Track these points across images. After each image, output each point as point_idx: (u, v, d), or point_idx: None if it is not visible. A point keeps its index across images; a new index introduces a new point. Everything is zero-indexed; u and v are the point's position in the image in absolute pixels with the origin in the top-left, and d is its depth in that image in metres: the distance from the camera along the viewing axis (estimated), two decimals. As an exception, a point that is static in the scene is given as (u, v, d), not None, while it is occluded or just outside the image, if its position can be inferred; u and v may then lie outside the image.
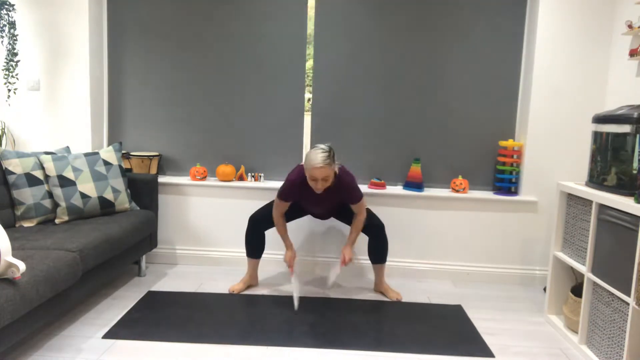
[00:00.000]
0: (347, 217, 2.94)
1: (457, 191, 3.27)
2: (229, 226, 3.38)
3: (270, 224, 2.91)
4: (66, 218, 2.69)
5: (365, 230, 2.90)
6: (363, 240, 3.31)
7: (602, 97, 3.11)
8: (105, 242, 2.46)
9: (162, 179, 3.34)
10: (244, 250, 3.39)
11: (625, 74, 2.89)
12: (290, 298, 2.81)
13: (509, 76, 3.29)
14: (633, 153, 2.23)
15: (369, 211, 2.91)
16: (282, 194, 2.74)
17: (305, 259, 3.37)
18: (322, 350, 2.28)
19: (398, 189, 3.32)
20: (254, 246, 2.94)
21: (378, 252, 2.93)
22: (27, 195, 2.63)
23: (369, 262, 3.32)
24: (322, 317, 2.62)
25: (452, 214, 3.27)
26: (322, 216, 2.97)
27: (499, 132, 3.33)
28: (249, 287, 3.01)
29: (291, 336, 2.39)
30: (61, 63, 3.29)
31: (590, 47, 3.08)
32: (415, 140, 3.37)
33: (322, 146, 2.58)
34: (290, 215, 2.97)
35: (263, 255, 3.36)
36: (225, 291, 2.93)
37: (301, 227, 3.35)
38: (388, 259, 3.33)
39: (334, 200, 2.78)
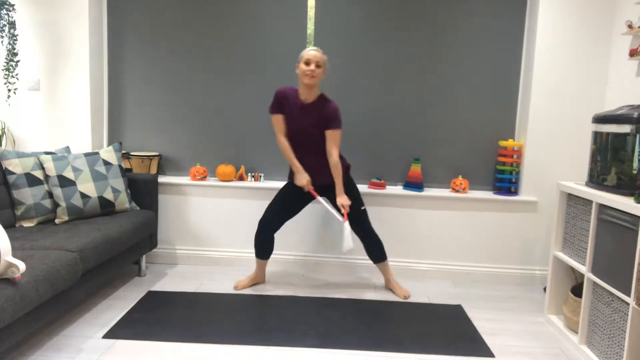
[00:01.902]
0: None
1: (457, 191, 3.27)
2: (229, 226, 3.38)
3: (280, 223, 2.92)
4: (66, 218, 2.69)
5: (356, 232, 2.92)
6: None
7: (602, 97, 3.11)
8: (105, 242, 2.46)
9: (162, 179, 3.35)
10: (244, 250, 3.39)
11: (625, 74, 2.89)
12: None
13: (509, 76, 3.29)
14: (633, 153, 2.23)
15: (362, 213, 2.89)
16: (271, 107, 2.82)
17: (306, 260, 3.37)
18: (322, 350, 2.28)
19: (398, 189, 3.32)
20: (262, 248, 2.96)
21: (374, 252, 2.95)
22: (27, 195, 2.63)
23: (370, 262, 3.32)
24: (322, 317, 2.62)
25: (452, 214, 3.27)
26: (305, 133, 2.79)
27: (499, 132, 3.34)
28: (254, 284, 3.04)
29: (291, 336, 2.39)
30: (61, 63, 3.29)
31: (590, 47, 3.08)
32: (415, 140, 3.37)
33: None
34: (289, 207, 2.93)
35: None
36: (225, 291, 2.93)
37: (300, 227, 3.35)
38: (389, 258, 3.33)
39: (316, 116, 2.76)
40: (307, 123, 2.77)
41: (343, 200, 2.78)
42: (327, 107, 2.76)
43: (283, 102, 2.80)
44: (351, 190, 2.89)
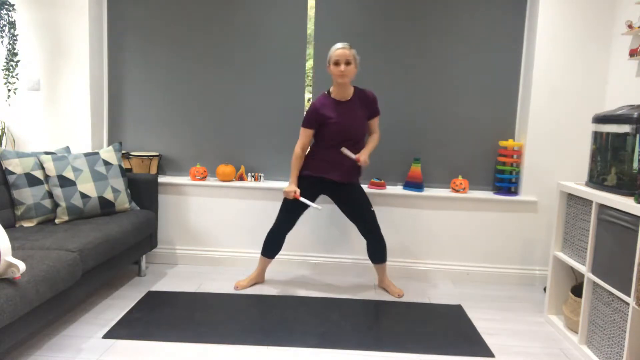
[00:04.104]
0: (348, 203, 2.89)
1: (457, 191, 3.27)
2: (228, 226, 3.38)
3: (294, 223, 2.92)
4: (66, 218, 2.69)
5: (364, 233, 2.91)
6: (363, 241, 3.31)
7: (602, 97, 3.11)
8: (105, 242, 2.46)
9: (162, 179, 3.34)
10: (244, 250, 3.39)
11: (625, 74, 2.89)
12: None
13: (509, 76, 3.29)
14: (633, 153, 2.23)
15: (372, 213, 2.90)
16: (306, 121, 2.83)
17: (306, 260, 3.37)
18: (322, 350, 2.28)
19: (398, 189, 3.32)
20: (273, 248, 2.97)
21: (378, 253, 2.96)
22: (27, 195, 2.63)
23: (370, 262, 3.32)
24: (323, 317, 2.62)
25: (452, 214, 3.27)
26: (354, 129, 2.79)
27: (499, 132, 3.34)
28: (254, 284, 3.05)
29: (291, 336, 2.39)
30: (61, 63, 3.29)
31: (590, 47, 3.08)
32: (415, 140, 3.37)
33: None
34: (301, 207, 2.89)
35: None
36: (225, 291, 2.94)
37: (301, 227, 3.35)
38: (388, 258, 3.33)
39: (361, 108, 2.82)
40: (355, 118, 2.80)
41: (365, 156, 2.77)
42: (367, 96, 2.85)
43: (323, 114, 2.78)
44: (361, 192, 2.90)
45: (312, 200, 2.92)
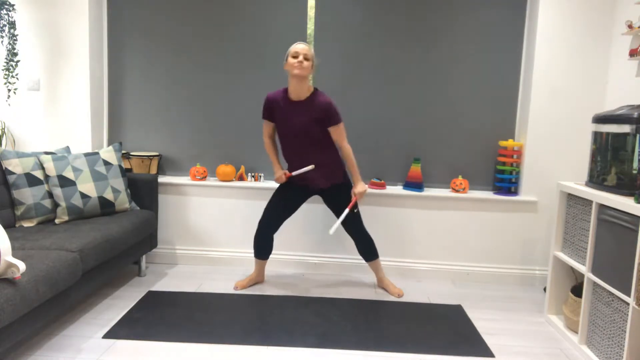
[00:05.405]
0: (335, 204, 2.90)
1: (457, 191, 3.27)
2: (228, 226, 3.38)
3: (279, 223, 2.92)
4: (66, 218, 2.69)
5: (349, 234, 2.93)
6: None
7: (602, 97, 3.11)
8: (105, 242, 2.46)
9: (162, 179, 3.35)
10: (244, 250, 3.40)
11: (625, 74, 2.89)
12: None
13: (509, 76, 3.29)
14: (633, 153, 2.23)
15: (358, 214, 2.88)
16: (262, 112, 2.88)
17: (306, 260, 3.37)
18: (322, 350, 2.28)
19: (398, 189, 3.32)
20: (262, 248, 2.97)
21: (366, 249, 2.96)
22: (27, 195, 2.63)
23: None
24: (323, 317, 2.62)
25: (452, 214, 3.27)
26: (299, 133, 2.73)
27: (499, 132, 3.33)
28: (254, 284, 3.06)
29: (291, 336, 2.39)
30: (61, 63, 3.29)
31: (590, 47, 3.08)
32: (415, 140, 3.37)
33: None
34: (287, 207, 2.92)
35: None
36: (225, 291, 2.94)
37: (300, 227, 3.35)
38: (388, 259, 3.33)
39: (310, 113, 2.71)
40: (301, 122, 2.72)
41: (359, 188, 2.80)
42: (319, 103, 2.69)
43: (273, 107, 2.79)
44: (344, 194, 2.88)
45: (302, 199, 2.95)
